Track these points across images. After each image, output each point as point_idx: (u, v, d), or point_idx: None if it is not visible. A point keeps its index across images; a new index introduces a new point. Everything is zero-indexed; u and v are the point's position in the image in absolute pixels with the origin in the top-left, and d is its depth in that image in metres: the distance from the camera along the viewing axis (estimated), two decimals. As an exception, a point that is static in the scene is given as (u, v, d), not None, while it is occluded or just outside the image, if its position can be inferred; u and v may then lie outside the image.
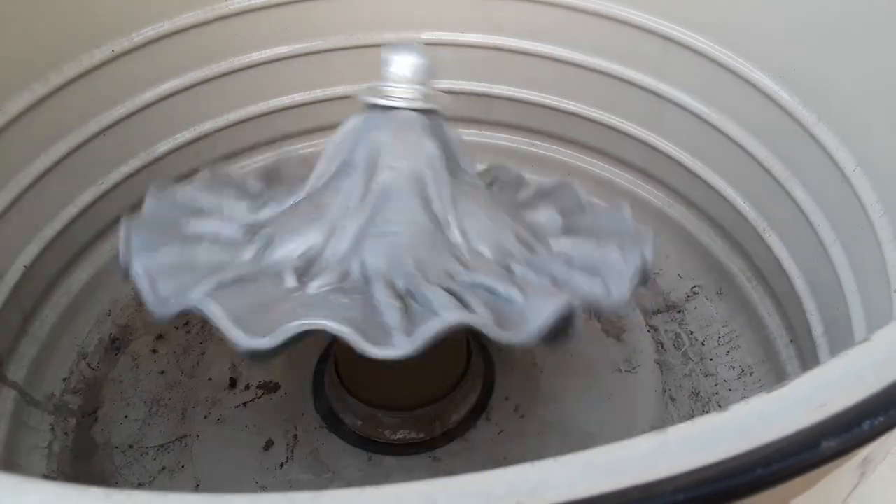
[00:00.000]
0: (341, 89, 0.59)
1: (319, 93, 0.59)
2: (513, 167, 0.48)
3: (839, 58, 0.42)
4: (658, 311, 0.56)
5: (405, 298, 0.32)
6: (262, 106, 0.58)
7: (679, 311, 0.55)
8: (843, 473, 0.21)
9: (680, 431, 0.14)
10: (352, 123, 0.37)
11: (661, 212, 0.58)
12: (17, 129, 0.46)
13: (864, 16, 0.39)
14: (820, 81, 0.43)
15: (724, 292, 0.55)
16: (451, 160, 0.37)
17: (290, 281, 0.32)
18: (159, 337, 0.53)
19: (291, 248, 0.35)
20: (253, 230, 0.38)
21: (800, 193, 0.45)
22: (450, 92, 0.50)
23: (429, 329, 0.29)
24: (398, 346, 0.29)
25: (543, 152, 0.62)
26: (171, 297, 0.32)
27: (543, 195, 0.45)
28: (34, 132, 0.47)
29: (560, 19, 0.54)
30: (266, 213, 0.39)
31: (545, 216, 0.42)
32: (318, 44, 0.57)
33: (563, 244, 0.39)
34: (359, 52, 0.57)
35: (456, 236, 0.35)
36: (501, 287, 0.32)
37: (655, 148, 0.55)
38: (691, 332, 0.54)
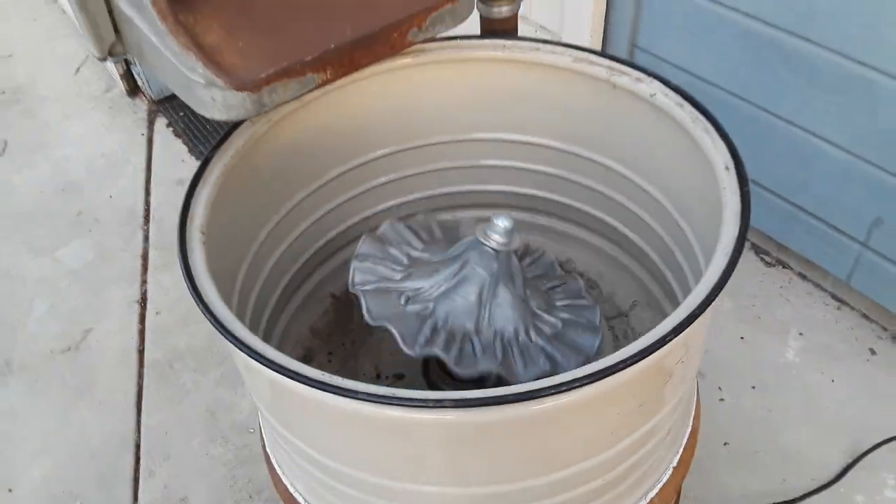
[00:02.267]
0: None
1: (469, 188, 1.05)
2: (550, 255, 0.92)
3: (691, 180, 0.85)
4: (614, 317, 1.00)
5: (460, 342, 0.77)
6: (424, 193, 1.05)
7: (626, 317, 0.99)
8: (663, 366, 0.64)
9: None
10: (468, 241, 0.82)
11: (613, 257, 1.02)
12: (287, 217, 0.91)
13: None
14: (670, 183, 0.86)
15: (651, 305, 0.98)
16: (507, 276, 0.80)
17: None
18: (330, 353, 0.97)
19: (420, 286, 0.81)
20: (412, 268, 0.83)
21: (678, 252, 0.89)
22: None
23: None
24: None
25: (542, 222, 1.06)
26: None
27: (560, 286, 0.89)
28: (294, 219, 0.93)
29: (539, 150, 0.98)
30: (421, 263, 0.85)
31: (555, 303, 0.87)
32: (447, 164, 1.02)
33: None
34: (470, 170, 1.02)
35: (484, 316, 0.79)
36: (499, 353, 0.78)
37: (606, 223, 0.99)
38: (633, 328, 0.98)
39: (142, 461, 1.38)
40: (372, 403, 0.57)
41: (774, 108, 1.43)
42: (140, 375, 1.51)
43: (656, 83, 0.82)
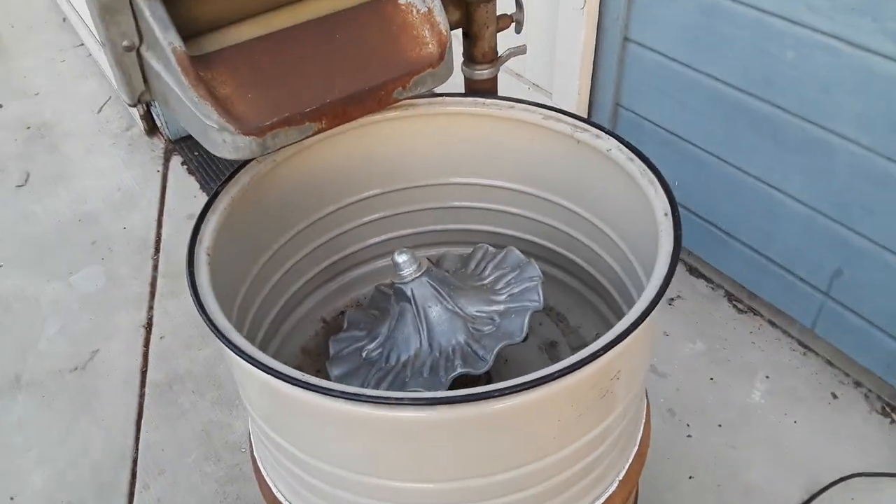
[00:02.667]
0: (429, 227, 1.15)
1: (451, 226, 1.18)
2: (520, 254, 1.02)
3: (631, 220, 0.96)
4: (579, 347, 1.10)
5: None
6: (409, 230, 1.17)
7: (589, 348, 1.09)
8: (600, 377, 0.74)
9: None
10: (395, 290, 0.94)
11: (579, 293, 1.13)
12: (285, 247, 1.03)
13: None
14: (623, 227, 0.98)
15: (611, 337, 1.08)
16: (431, 298, 0.91)
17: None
18: (318, 371, 1.08)
19: (377, 334, 0.93)
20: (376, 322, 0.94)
21: (631, 287, 1.00)
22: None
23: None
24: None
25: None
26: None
27: (512, 273, 1.00)
28: (291, 249, 1.05)
29: (512, 194, 1.10)
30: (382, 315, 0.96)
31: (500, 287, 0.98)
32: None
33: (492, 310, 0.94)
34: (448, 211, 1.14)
35: (423, 340, 0.91)
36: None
37: (572, 261, 1.10)
38: (594, 359, 1.08)
39: (138, 475, 1.47)
40: (343, 400, 0.67)
41: (744, 165, 1.56)
42: (141, 395, 1.62)
43: (612, 140, 0.94)
